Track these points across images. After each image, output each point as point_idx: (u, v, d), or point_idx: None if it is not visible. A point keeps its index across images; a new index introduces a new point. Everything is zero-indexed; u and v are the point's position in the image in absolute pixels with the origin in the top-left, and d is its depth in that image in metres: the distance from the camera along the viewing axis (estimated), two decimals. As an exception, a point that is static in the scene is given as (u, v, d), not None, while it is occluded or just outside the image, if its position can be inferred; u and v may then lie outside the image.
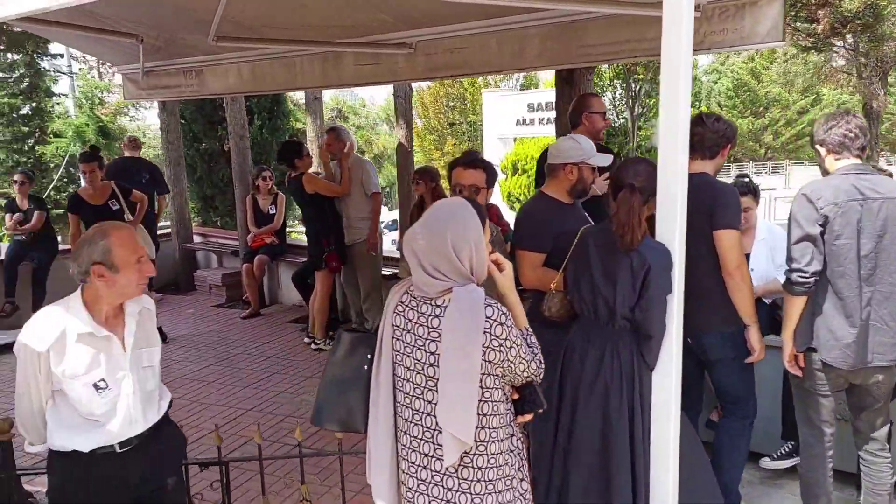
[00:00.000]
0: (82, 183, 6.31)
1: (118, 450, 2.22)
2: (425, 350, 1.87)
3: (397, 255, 6.54)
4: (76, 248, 2.17)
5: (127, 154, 7.63)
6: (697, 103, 26.02)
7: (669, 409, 2.49)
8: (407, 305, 1.93)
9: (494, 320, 1.81)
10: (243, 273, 7.05)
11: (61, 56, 15.01)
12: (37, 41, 10.90)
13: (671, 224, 2.37)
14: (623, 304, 2.48)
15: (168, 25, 5.43)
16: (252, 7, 4.78)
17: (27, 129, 15.75)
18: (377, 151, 26.81)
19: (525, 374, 1.92)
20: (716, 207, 2.85)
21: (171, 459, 2.45)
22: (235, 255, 7.66)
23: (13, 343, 2.19)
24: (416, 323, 1.89)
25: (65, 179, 16.99)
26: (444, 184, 5.42)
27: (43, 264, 7.00)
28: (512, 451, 1.94)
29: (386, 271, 6.18)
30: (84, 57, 17.90)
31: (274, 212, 7.13)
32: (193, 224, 8.78)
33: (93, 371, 2.16)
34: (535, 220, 3.07)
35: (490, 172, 2.86)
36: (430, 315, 1.87)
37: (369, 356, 2.08)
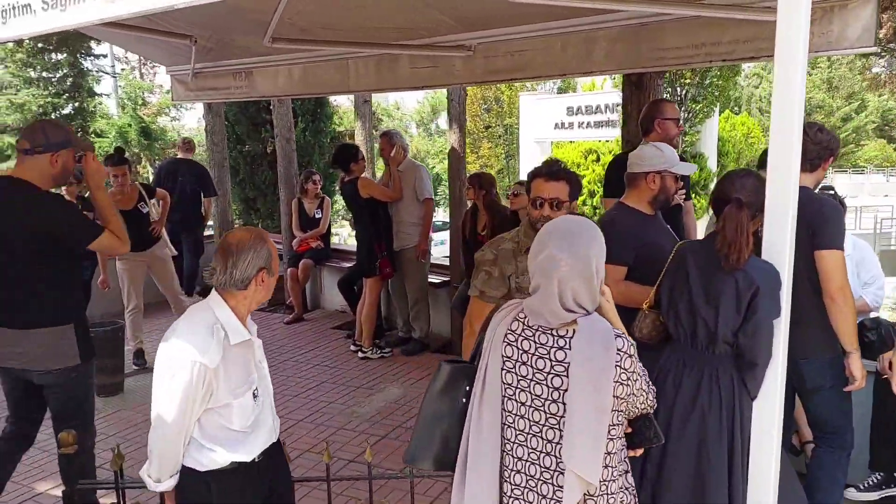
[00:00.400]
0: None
1: (256, 460, 2.14)
2: (546, 384, 1.72)
3: (445, 261, 6.39)
4: (232, 254, 2.02)
5: (180, 156, 7.63)
6: (738, 108, 25.48)
7: (771, 442, 2.31)
8: (520, 335, 1.77)
9: (625, 352, 1.67)
10: (287, 277, 6.95)
11: (104, 56, 15.21)
12: (80, 41, 10.98)
13: (781, 242, 2.18)
14: (725, 327, 2.30)
15: (222, 26, 5.36)
16: (309, 8, 4.67)
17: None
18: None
19: (643, 407, 1.77)
20: (818, 225, 2.65)
21: (286, 471, 2.38)
22: (279, 258, 7.59)
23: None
24: (533, 354, 1.74)
25: (107, 180, 17.17)
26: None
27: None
28: (627, 489, 1.79)
29: (433, 279, 6.04)
30: (126, 57, 18.12)
31: (320, 216, 7.03)
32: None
33: (250, 379, 2.11)
34: (616, 232, 2.89)
35: (574, 184, 2.68)
36: (552, 346, 1.72)
37: (467, 388, 1.90)
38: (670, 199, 3.08)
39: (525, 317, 1.78)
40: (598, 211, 16.83)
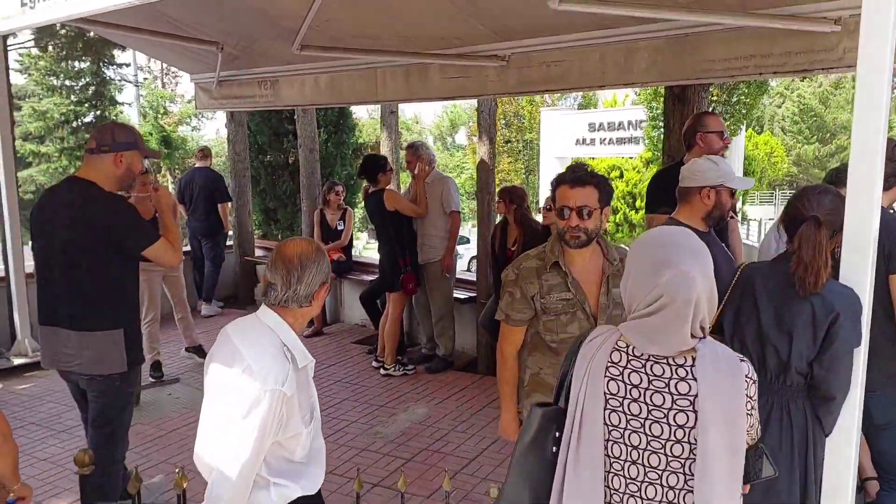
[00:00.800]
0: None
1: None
2: (667, 423, 1.47)
3: (469, 276, 6.21)
4: (296, 269, 1.84)
5: (197, 165, 7.57)
6: (759, 128, 25.19)
7: (847, 483, 2.11)
8: (626, 367, 1.52)
9: (750, 378, 1.48)
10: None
11: (127, 65, 15.27)
12: (104, 48, 10.98)
13: (861, 264, 2.00)
14: (799, 357, 2.11)
15: (250, 33, 5.26)
16: (340, 16, 4.57)
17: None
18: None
19: (753, 436, 1.56)
20: (895, 248, 2.46)
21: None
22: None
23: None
24: (647, 389, 1.49)
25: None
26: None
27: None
28: None
29: (458, 294, 5.87)
30: (149, 66, 18.25)
31: (342, 227, 6.90)
32: (255, 237, 8.61)
33: (312, 402, 1.96)
34: None
35: (603, 188, 2.45)
36: (671, 378, 1.47)
37: (557, 434, 1.62)
38: (725, 215, 2.91)
39: (628, 345, 1.54)
40: (620, 228, 16.64)
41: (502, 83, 4.72)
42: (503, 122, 23.67)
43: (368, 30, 4.79)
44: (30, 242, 3.20)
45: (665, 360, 1.49)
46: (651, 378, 1.49)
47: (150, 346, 5.57)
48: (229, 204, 7.52)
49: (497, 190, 5.24)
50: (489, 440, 4.25)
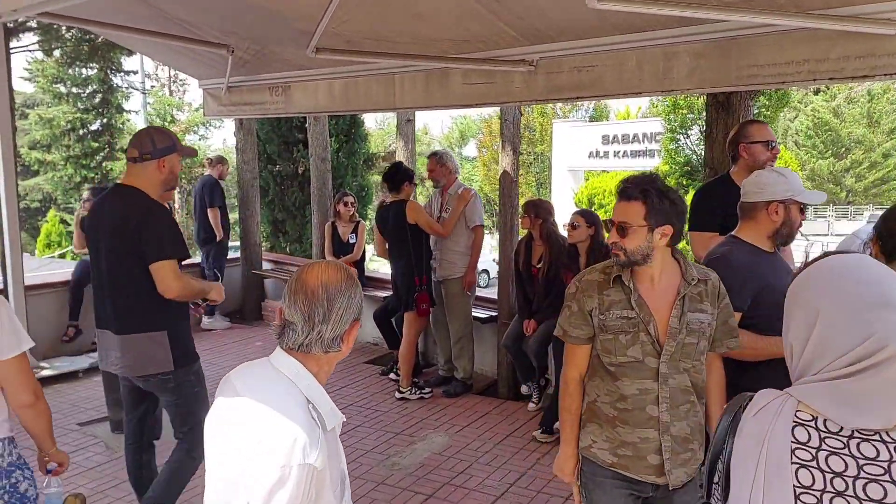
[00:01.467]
0: None
1: None
2: None
3: (490, 294, 5.91)
4: (320, 303, 1.46)
5: (206, 173, 7.37)
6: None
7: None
8: (819, 448, 1.10)
9: None
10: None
11: (135, 73, 15.08)
12: (111, 53, 10.77)
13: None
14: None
15: (262, 36, 5.00)
16: (359, 18, 4.30)
17: (97, 144, 15.76)
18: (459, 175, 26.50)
19: None
20: None
21: None
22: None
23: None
24: (855, 477, 1.07)
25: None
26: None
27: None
28: None
29: (478, 313, 5.56)
30: (156, 74, 18.06)
31: (354, 241, 6.59)
32: (262, 249, 8.33)
33: (342, 467, 1.59)
34: (731, 271, 2.42)
35: (655, 205, 2.08)
36: (889, 461, 1.05)
37: None
38: (794, 233, 2.60)
39: (814, 417, 1.11)
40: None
41: (529, 90, 4.43)
42: (514, 133, 23.47)
43: (387, 33, 4.52)
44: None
45: (877, 437, 1.08)
46: (861, 462, 1.08)
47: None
48: (218, 210, 7.17)
49: (521, 203, 4.94)
50: (516, 473, 3.93)
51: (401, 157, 6.06)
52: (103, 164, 15.58)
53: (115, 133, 15.46)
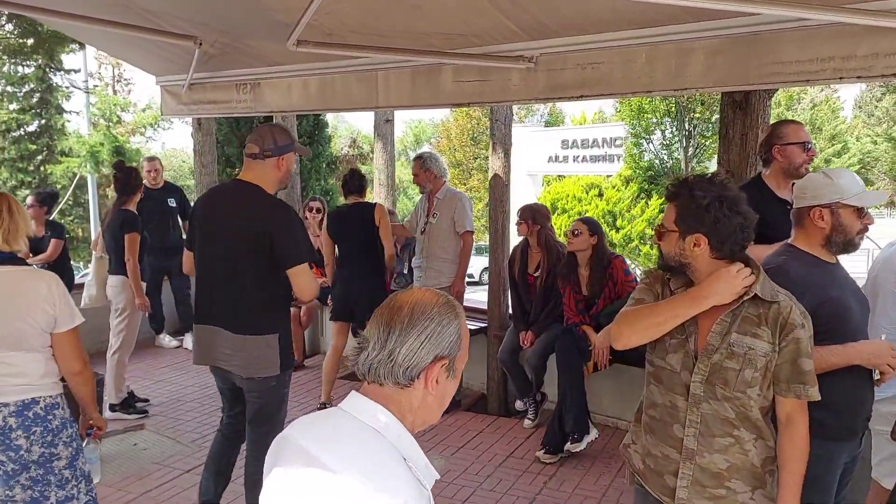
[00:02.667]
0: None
1: None
2: None
3: (479, 305, 5.60)
4: (399, 321, 1.23)
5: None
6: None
7: None
8: None
9: None
10: (288, 318, 6.09)
11: (77, 71, 14.25)
12: (56, 47, 10.05)
13: None
14: None
15: (234, 27, 4.59)
16: (344, 10, 3.96)
17: (34, 146, 14.84)
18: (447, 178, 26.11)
19: None
20: None
21: None
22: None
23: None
24: None
25: (69, 202, 16.05)
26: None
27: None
28: None
29: (470, 324, 5.25)
30: (99, 73, 17.17)
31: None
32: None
33: None
34: (790, 283, 2.18)
35: (686, 209, 1.92)
36: None
37: None
38: (853, 239, 2.38)
39: None
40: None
41: (528, 88, 4.16)
42: (473, 138, 23.27)
43: (376, 25, 4.19)
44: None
45: None
46: None
47: (119, 384, 4.89)
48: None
49: (519, 209, 4.67)
50: (525, 500, 3.64)
51: (380, 159, 5.71)
52: (42, 168, 14.68)
53: (55, 135, 14.57)
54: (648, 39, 3.71)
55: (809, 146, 3.17)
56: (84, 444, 2.63)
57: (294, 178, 6.52)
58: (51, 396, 2.49)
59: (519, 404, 4.75)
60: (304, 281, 2.83)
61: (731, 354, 1.84)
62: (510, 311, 5.05)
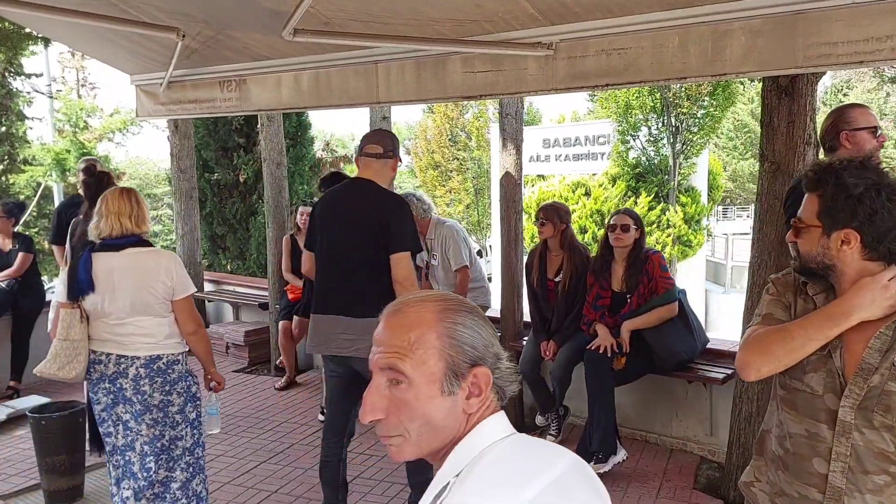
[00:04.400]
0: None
1: None
2: None
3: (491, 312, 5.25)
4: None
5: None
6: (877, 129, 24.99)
7: None
8: None
9: None
10: (280, 332, 5.71)
11: (39, 75, 13.59)
12: (19, 45, 9.49)
13: None
14: None
15: (220, 17, 4.20)
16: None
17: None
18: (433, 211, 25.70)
19: None
20: None
21: None
22: (264, 308, 6.31)
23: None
24: None
25: (34, 213, 15.35)
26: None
27: (27, 319, 5.60)
28: None
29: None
30: (63, 77, 16.47)
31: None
32: (203, 268, 7.40)
33: None
34: None
35: (831, 199, 1.58)
36: None
37: None
38: None
39: None
40: (588, 247, 15.91)
41: (546, 78, 3.84)
42: (449, 139, 22.92)
43: (378, 12, 3.84)
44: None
45: None
46: None
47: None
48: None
49: (540, 207, 4.34)
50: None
51: (377, 159, 5.35)
52: (3, 178, 13.96)
53: (16, 142, 13.87)
54: (681, 21, 3.41)
55: (879, 132, 2.90)
56: (206, 399, 3.29)
57: (282, 182, 6.13)
58: (172, 354, 3.06)
59: (540, 419, 4.43)
60: (404, 266, 3.03)
61: (895, 376, 1.52)
62: (524, 318, 4.74)
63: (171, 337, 3.05)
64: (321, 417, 4.84)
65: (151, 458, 2.98)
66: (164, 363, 3.01)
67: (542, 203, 4.35)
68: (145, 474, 2.98)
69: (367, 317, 2.87)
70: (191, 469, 3.09)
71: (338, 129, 31.72)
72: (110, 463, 3.11)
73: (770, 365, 1.61)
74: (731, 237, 19.92)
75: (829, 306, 1.57)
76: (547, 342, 4.14)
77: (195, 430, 3.11)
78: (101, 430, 3.10)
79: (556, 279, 4.15)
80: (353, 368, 3.07)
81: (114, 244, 2.99)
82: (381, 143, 3.31)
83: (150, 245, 3.13)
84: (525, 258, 4.61)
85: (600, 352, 3.79)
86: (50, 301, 5.17)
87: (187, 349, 3.13)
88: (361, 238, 3.07)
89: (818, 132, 3.03)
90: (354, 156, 3.55)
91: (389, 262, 3.01)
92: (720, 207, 26.96)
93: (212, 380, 3.28)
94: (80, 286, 2.98)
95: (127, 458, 3.02)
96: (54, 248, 5.42)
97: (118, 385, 2.97)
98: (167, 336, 3.04)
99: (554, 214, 4.12)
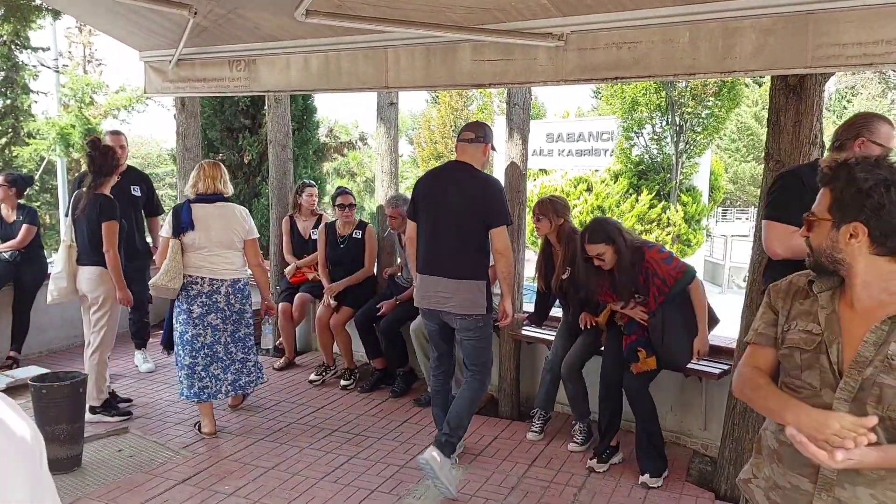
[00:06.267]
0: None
1: None
2: None
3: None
4: None
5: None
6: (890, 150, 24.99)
7: None
8: None
9: None
10: (280, 314, 5.73)
11: (46, 49, 13.53)
12: (29, 17, 9.44)
13: None
14: None
15: (234, -6, 4.22)
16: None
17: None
18: (370, 175, 25.52)
19: None
20: None
21: None
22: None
23: None
24: None
25: (36, 187, 15.34)
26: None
27: (28, 290, 5.62)
28: None
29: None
30: (69, 52, 16.42)
31: (317, 237, 5.82)
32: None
33: None
34: None
35: (842, 194, 1.58)
36: None
37: None
38: None
39: None
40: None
41: (556, 69, 3.86)
42: (453, 130, 22.88)
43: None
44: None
45: None
46: None
47: (100, 384, 4.49)
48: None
49: (536, 203, 4.32)
50: (556, 515, 3.35)
51: (383, 145, 5.33)
52: (6, 150, 13.93)
53: (21, 115, 13.84)
54: (692, 17, 3.44)
55: (891, 153, 2.90)
56: (263, 320, 4.76)
57: (286, 164, 6.13)
58: (244, 278, 4.29)
59: (579, 428, 4.15)
60: (503, 238, 3.62)
61: (890, 370, 1.55)
62: (522, 308, 4.77)
63: (242, 266, 4.28)
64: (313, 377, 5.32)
65: (233, 345, 4.24)
66: (241, 284, 4.25)
67: (540, 198, 4.32)
68: (230, 356, 4.24)
69: (462, 279, 3.61)
70: (253, 352, 4.40)
71: (342, 116, 31.66)
72: (181, 362, 4.19)
73: (744, 399, 1.83)
74: (730, 238, 19.98)
75: (786, 401, 1.61)
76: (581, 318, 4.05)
77: (253, 329, 4.41)
78: (189, 333, 4.12)
79: (565, 276, 4.11)
80: (442, 321, 3.74)
81: (207, 198, 4.16)
82: (474, 130, 3.82)
83: (230, 201, 4.31)
84: (524, 251, 4.59)
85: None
86: (50, 273, 5.17)
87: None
88: (461, 212, 3.62)
89: (838, 129, 3.02)
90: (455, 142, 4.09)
91: (483, 233, 3.62)
92: (720, 209, 27.02)
93: (267, 305, 4.50)
94: (182, 225, 4.08)
95: (215, 350, 4.17)
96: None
97: (213, 299, 4.13)
98: (241, 266, 4.27)
99: (549, 209, 4.06)
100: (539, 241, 4.38)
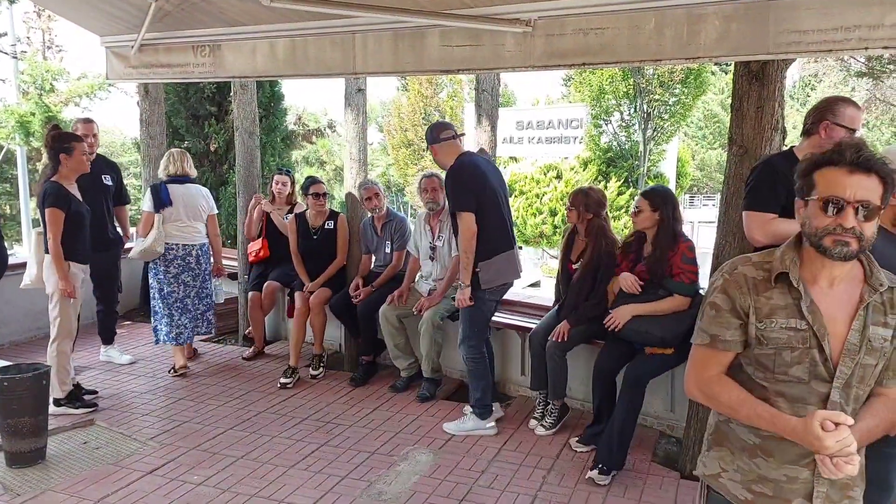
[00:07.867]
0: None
1: None
2: None
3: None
4: None
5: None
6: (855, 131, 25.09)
7: None
8: None
9: None
10: (249, 303, 5.68)
11: (2, 35, 13.11)
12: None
13: None
14: None
15: (197, -22, 4.14)
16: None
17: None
18: (339, 164, 25.38)
19: None
20: None
21: None
22: (232, 278, 6.26)
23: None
24: None
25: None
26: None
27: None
28: None
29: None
30: (28, 38, 15.99)
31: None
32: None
33: None
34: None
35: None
36: None
37: None
38: None
39: None
40: (558, 231, 16.09)
41: (524, 55, 3.87)
42: (423, 117, 22.80)
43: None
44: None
45: None
46: None
47: (62, 377, 4.40)
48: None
49: (570, 193, 4.34)
50: (526, 497, 3.39)
51: (351, 132, 5.27)
52: (-36, 141, 13.54)
53: (-23, 103, 13.45)
54: (658, 4, 3.47)
55: (856, 133, 2.96)
56: (215, 280, 5.44)
57: (254, 151, 6.05)
58: (206, 243, 5.30)
59: (551, 409, 4.20)
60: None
61: (871, 350, 1.61)
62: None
63: (205, 234, 5.27)
64: (283, 380, 5.00)
65: (198, 300, 5.24)
66: (206, 248, 5.27)
67: (577, 188, 4.32)
68: (195, 308, 5.23)
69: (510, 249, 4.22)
70: (211, 308, 5.39)
71: (311, 104, 31.38)
72: (160, 314, 5.15)
73: (708, 405, 1.78)
74: (697, 224, 20.29)
75: (785, 422, 1.59)
76: (562, 324, 4.06)
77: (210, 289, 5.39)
78: (166, 289, 5.09)
79: (577, 264, 4.14)
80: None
81: (178, 179, 5.12)
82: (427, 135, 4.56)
83: (196, 182, 5.35)
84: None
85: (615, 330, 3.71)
86: (10, 264, 5.07)
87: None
88: (505, 196, 4.28)
89: (807, 114, 3.08)
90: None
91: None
92: (687, 195, 27.39)
93: (218, 267, 5.46)
94: (162, 202, 5.03)
95: (185, 303, 5.16)
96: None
97: (187, 261, 5.13)
98: (206, 234, 5.28)
99: (580, 202, 4.08)
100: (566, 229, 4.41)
